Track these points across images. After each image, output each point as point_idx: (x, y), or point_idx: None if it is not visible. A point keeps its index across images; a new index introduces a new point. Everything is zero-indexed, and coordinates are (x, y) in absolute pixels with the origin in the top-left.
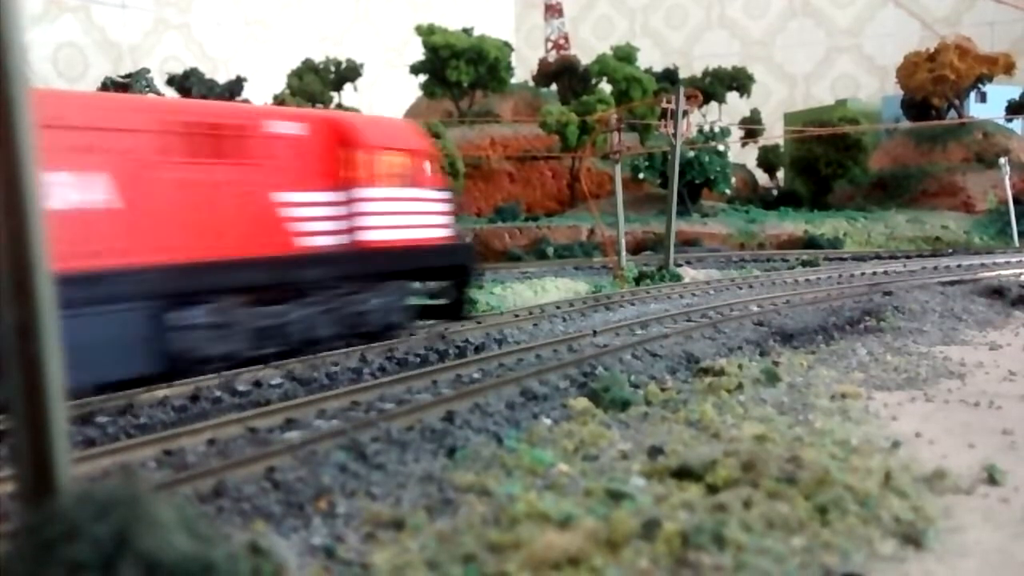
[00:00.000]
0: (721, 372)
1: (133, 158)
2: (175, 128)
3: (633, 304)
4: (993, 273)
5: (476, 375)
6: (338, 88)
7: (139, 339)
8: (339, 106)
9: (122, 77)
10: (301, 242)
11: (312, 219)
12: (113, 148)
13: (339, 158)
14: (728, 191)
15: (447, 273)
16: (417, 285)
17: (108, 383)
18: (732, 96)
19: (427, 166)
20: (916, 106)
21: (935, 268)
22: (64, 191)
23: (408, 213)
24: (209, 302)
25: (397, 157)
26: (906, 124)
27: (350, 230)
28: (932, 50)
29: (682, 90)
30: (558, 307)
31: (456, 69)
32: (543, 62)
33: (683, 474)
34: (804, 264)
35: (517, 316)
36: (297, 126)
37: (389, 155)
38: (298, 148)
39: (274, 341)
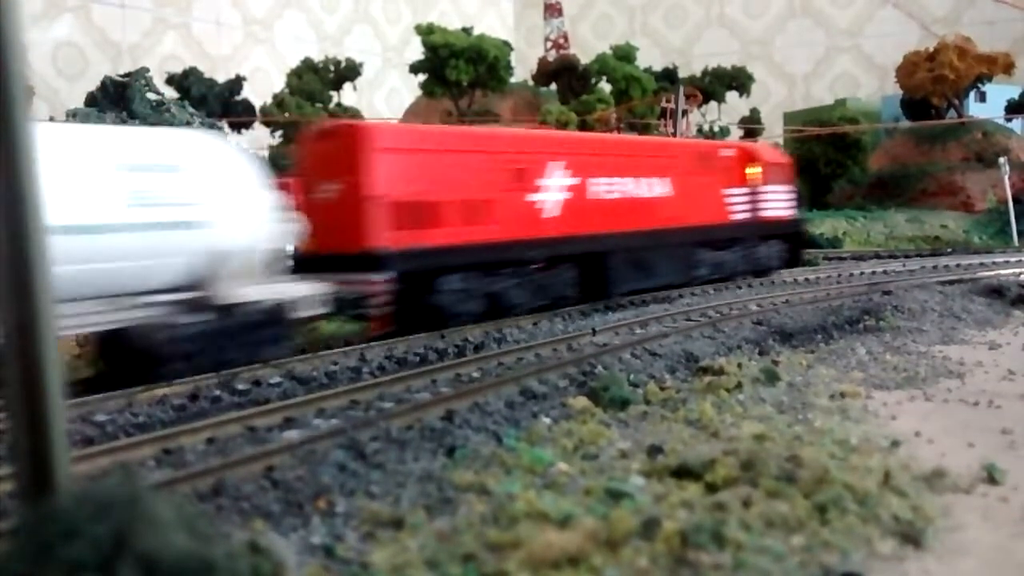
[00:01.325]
0: (720, 371)
1: (680, 171)
2: (693, 155)
3: (633, 304)
4: (992, 272)
5: (475, 374)
6: (337, 87)
7: (684, 263)
8: (338, 105)
9: (121, 76)
10: (733, 217)
11: (737, 203)
12: (672, 166)
13: (746, 169)
14: None
15: (791, 238)
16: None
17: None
18: (732, 95)
19: (786, 172)
20: (915, 106)
21: (934, 267)
22: (651, 188)
23: (777, 200)
24: (707, 247)
25: (773, 167)
26: (905, 124)
27: (752, 210)
28: (931, 50)
29: (681, 89)
30: (558, 307)
31: (455, 68)
32: (543, 61)
33: (682, 473)
34: (803, 263)
35: (516, 315)
36: (730, 151)
37: (770, 167)
38: (731, 164)
39: (720, 270)
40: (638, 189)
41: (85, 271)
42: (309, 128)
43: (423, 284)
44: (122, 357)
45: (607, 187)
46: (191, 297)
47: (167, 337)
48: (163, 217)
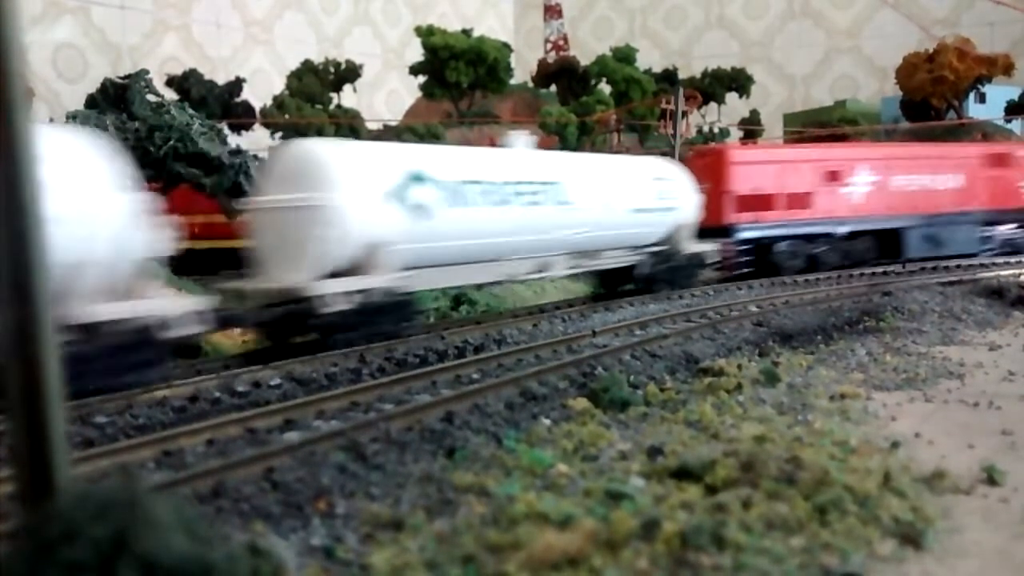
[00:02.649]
0: (720, 372)
1: (973, 168)
2: (987, 155)
3: (632, 304)
4: (992, 273)
5: (475, 375)
6: (337, 89)
7: (973, 239)
8: (338, 107)
9: (121, 78)
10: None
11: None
12: (966, 164)
13: None
14: None
15: None
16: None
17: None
18: (731, 97)
19: None
20: (915, 107)
21: (934, 268)
22: (944, 181)
23: None
24: (1001, 224)
25: None
26: (905, 125)
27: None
28: (931, 51)
29: (681, 91)
30: (557, 307)
31: (455, 70)
32: (542, 63)
33: (682, 474)
34: None
35: (516, 316)
36: None
37: None
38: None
39: (1010, 244)
40: (933, 182)
41: None
42: (693, 150)
43: (765, 248)
44: None
45: (905, 181)
46: None
47: None
48: None
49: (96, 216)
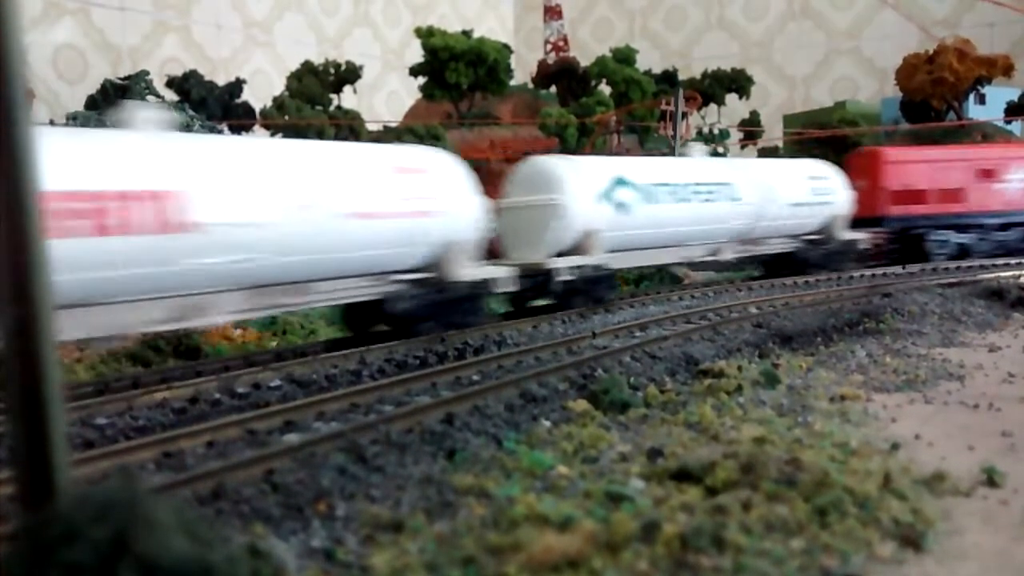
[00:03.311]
0: (720, 374)
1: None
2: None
3: (632, 306)
4: (992, 275)
5: (475, 377)
6: (337, 90)
7: None
8: (339, 108)
9: (121, 79)
10: None
11: None
12: None
13: None
14: None
15: None
16: None
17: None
18: (731, 98)
19: None
20: (915, 108)
21: (934, 270)
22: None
23: None
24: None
25: None
26: (905, 126)
27: None
28: (931, 52)
29: (681, 92)
30: (557, 309)
31: (455, 71)
32: (542, 64)
33: (682, 476)
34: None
35: (516, 318)
36: None
37: None
38: None
39: None
40: None
41: None
42: (855, 152)
43: (916, 237)
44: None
45: None
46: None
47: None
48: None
49: (463, 210)
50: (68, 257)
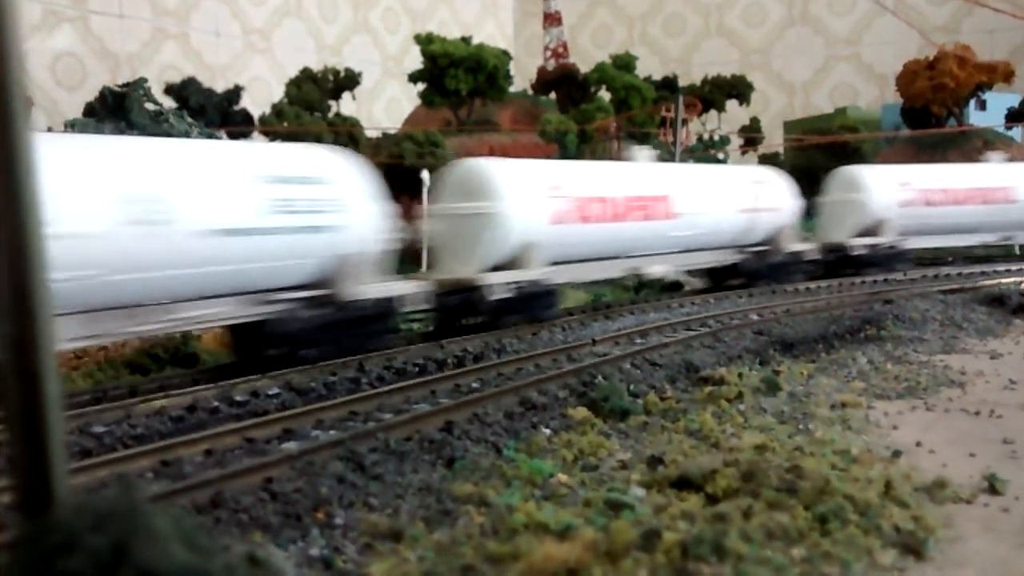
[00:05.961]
0: (721, 381)
1: None
2: None
3: (632, 313)
4: (993, 281)
5: (475, 385)
6: (336, 97)
7: None
8: (337, 115)
9: (120, 86)
10: None
11: None
12: None
13: None
14: None
15: None
16: None
17: None
18: (731, 104)
19: None
20: (915, 114)
21: (935, 276)
22: None
23: None
24: None
25: None
26: (906, 132)
27: None
28: (931, 58)
29: (681, 98)
30: (556, 316)
31: (455, 78)
32: (542, 70)
33: (683, 484)
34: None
35: (515, 325)
36: None
37: None
38: None
39: None
40: None
41: None
42: None
43: None
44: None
45: None
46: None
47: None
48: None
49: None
50: None
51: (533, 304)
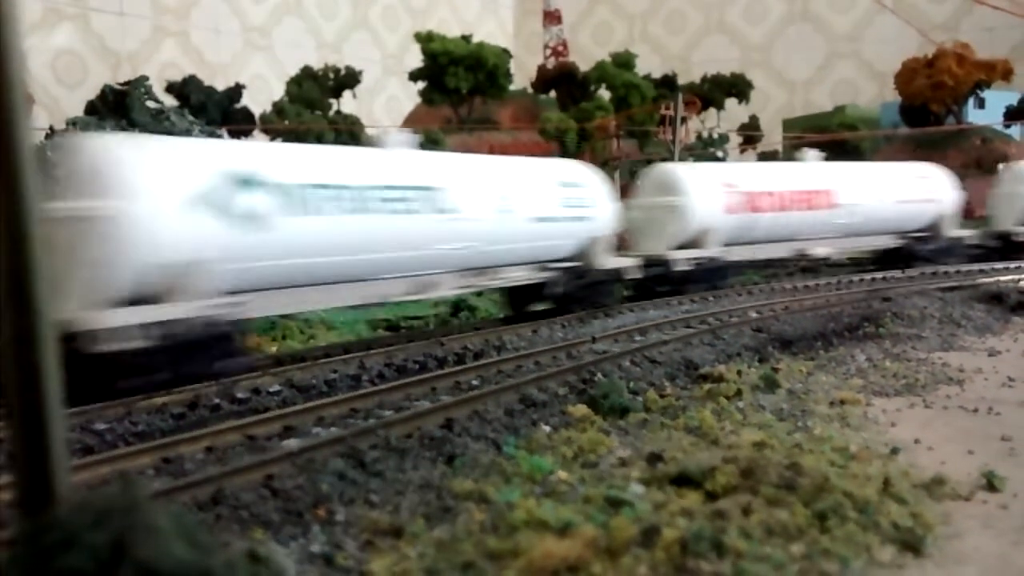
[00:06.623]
0: (720, 378)
1: None
2: None
3: (632, 310)
4: (992, 279)
5: (475, 382)
6: (337, 95)
7: None
8: (338, 113)
9: (121, 84)
10: None
11: None
12: None
13: None
14: None
15: None
16: None
17: None
18: (731, 102)
19: None
20: (914, 112)
21: (934, 274)
22: None
23: None
24: None
25: None
26: (905, 130)
27: None
28: (930, 56)
29: (681, 96)
30: (558, 313)
31: (455, 76)
32: (542, 69)
33: (682, 481)
34: (803, 270)
35: (516, 322)
36: None
37: None
38: None
39: None
40: None
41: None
42: None
43: None
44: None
45: None
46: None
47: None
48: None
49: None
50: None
51: (711, 275)
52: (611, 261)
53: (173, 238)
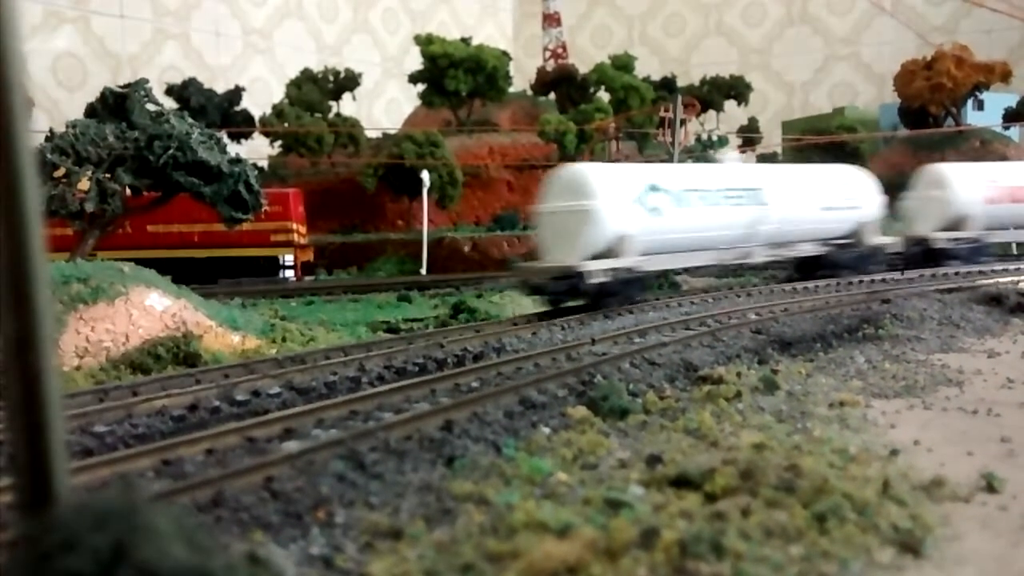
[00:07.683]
0: (719, 380)
1: None
2: None
3: (631, 312)
4: (991, 280)
5: (475, 384)
6: (337, 98)
7: None
8: (338, 115)
9: (121, 87)
10: None
11: None
12: None
13: None
14: None
15: None
16: None
17: None
18: (730, 104)
19: None
20: (913, 114)
21: (933, 275)
22: None
23: None
24: None
25: None
26: (903, 132)
27: None
28: (929, 58)
29: (680, 99)
30: (558, 316)
31: (454, 78)
32: (541, 71)
33: (682, 483)
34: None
35: (515, 324)
36: None
37: None
38: None
39: None
40: None
41: None
42: None
43: None
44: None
45: None
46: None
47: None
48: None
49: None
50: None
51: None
52: (876, 240)
53: (621, 221)
